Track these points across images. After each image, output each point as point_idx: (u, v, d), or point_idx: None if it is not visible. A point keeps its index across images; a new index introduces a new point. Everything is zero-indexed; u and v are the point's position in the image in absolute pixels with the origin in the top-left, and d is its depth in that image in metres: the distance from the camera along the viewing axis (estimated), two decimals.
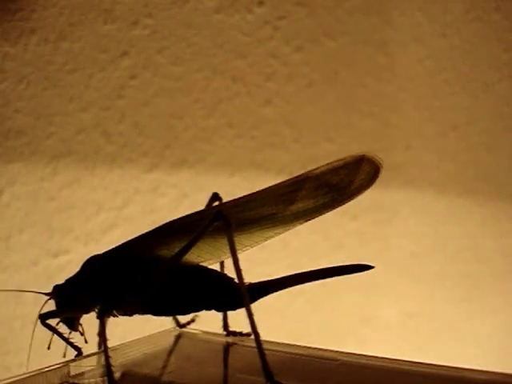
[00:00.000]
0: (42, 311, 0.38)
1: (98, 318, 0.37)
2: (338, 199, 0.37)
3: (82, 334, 0.40)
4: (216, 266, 0.40)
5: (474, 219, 0.80)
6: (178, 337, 0.44)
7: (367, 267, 0.37)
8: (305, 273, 0.38)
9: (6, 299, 0.58)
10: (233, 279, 0.37)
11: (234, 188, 0.66)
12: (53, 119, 0.61)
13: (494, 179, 0.82)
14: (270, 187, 0.37)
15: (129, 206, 0.64)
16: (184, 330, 0.45)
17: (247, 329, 0.35)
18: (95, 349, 0.40)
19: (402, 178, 0.76)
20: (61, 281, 0.39)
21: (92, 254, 0.39)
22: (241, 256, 0.35)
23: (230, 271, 0.36)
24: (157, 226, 0.38)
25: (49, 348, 0.38)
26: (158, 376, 0.39)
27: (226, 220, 0.35)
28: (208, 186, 0.53)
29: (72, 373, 0.37)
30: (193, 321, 0.45)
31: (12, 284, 0.59)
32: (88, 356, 0.39)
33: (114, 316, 0.39)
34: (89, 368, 0.38)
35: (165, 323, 0.45)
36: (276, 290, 0.38)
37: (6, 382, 0.34)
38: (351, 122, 0.74)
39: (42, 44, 0.60)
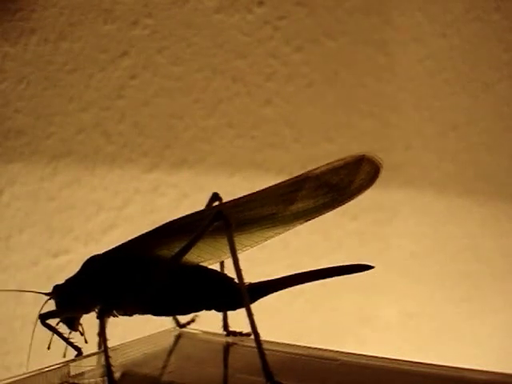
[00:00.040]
0: (42, 311, 0.38)
1: (98, 318, 0.37)
2: (338, 199, 0.37)
3: (82, 334, 0.40)
4: (216, 266, 0.40)
5: (474, 219, 0.80)
6: (178, 337, 0.44)
7: (367, 267, 0.37)
8: (305, 273, 0.38)
9: (5, 299, 0.58)
10: (233, 279, 0.37)
11: (233, 188, 0.66)
12: (53, 119, 0.61)
13: (494, 179, 0.82)
14: (269, 187, 0.37)
15: (129, 206, 0.64)
16: (184, 330, 0.45)
17: (247, 329, 0.35)
18: (95, 349, 0.40)
19: (402, 178, 0.76)
20: (61, 281, 0.39)
21: (92, 254, 0.39)
22: (241, 256, 0.35)
23: (230, 271, 0.36)
24: (157, 226, 0.38)
25: (49, 348, 0.38)
26: (158, 376, 0.38)
27: (226, 220, 0.35)
28: (208, 186, 0.53)
29: (72, 373, 0.37)
30: (193, 321, 0.45)
31: (12, 284, 0.59)
32: (88, 356, 0.39)
33: (114, 316, 0.39)
34: (89, 368, 0.38)
35: (165, 323, 0.45)
36: (276, 290, 0.38)
37: (5, 382, 0.34)
38: (351, 122, 0.74)
39: (42, 44, 0.60)
